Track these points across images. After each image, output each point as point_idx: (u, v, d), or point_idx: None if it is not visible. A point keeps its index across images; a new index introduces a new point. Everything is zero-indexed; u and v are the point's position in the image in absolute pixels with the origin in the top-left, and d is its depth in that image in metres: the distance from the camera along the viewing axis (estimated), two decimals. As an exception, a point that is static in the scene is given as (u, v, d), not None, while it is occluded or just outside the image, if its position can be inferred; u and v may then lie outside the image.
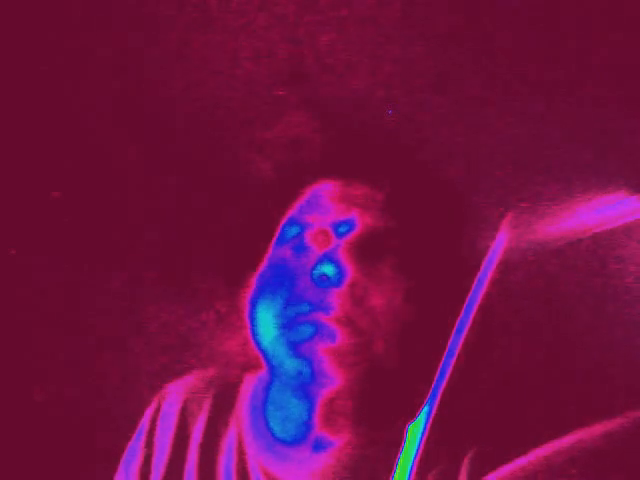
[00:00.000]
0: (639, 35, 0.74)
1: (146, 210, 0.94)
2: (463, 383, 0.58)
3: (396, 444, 0.60)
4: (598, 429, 0.53)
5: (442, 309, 0.62)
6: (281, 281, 0.66)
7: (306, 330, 0.62)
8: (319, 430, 0.67)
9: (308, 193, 0.69)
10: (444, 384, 0.58)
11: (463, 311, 0.59)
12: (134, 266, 0.94)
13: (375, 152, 0.71)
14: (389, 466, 0.60)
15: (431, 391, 0.58)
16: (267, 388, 0.72)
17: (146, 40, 0.85)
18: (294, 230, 0.68)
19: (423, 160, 0.73)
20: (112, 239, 0.94)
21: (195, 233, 0.88)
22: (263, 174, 0.73)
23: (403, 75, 0.82)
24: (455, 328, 0.59)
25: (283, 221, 0.70)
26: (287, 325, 0.64)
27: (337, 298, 0.62)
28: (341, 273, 0.62)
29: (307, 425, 0.67)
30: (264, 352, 0.67)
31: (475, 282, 0.60)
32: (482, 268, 0.60)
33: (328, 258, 0.62)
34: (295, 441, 0.68)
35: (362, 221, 0.65)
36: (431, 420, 0.57)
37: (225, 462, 0.71)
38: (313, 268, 0.63)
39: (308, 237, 0.66)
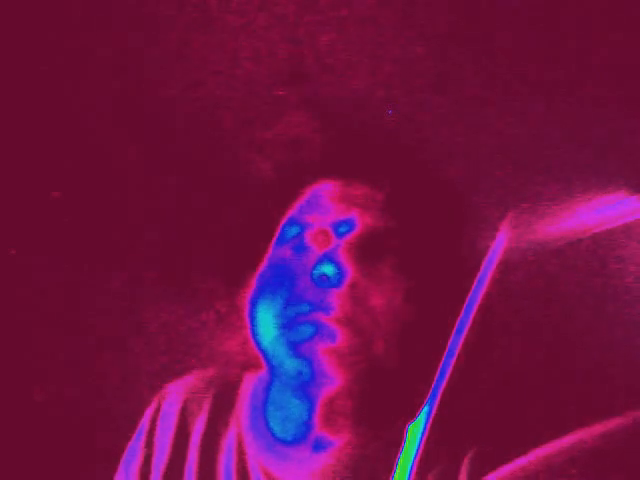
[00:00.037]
0: (639, 35, 0.74)
1: (146, 210, 0.94)
2: (463, 383, 0.58)
3: (396, 444, 0.60)
4: (598, 429, 0.53)
5: (442, 309, 0.62)
6: (281, 281, 0.66)
7: (306, 330, 0.62)
8: (319, 430, 0.67)
9: (308, 193, 0.69)
10: (444, 384, 0.58)
11: (463, 311, 0.59)
12: (134, 266, 0.95)
13: (375, 152, 0.71)
14: (389, 466, 0.60)
15: (431, 391, 0.58)
16: (267, 388, 0.72)
17: (146, 40, 0.85)
18: (294, 230, 0.68)
19: (423, 160, 0.73)
20: (112, 239, 0.94)
21: (195, 233, 0.88)
22: (263, 174, 0.73)
23: (403, 75, 0.82)
24: (455, 328, 0.59)
25: (283, 221, 0.70)
26: (287, 325, 0.64)
27: (337, 298, 0.62)
28: (341, 273, 0.62)
29: (307, 425, 0.67)
30: (264, 352, 0.67)
31: (475, 282, 0.60)
32: (482, 268, 0.60)
33: (328, 258, 0.62)
34: (295, 441, 0.68)
35: (362, 221, 0.65)
36: (431, 420, 0.57)
37: (225, 462, 0.71)
38: (313, 268, 0.63)
39: (308, 237, 0.66)
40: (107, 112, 0.91)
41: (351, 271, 0.62)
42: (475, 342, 0.58)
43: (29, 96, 0.90)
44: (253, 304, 0.68)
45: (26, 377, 0.94)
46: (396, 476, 0.59)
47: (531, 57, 0.78)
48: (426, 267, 0.66)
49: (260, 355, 0.68)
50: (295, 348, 0.63)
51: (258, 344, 0.68)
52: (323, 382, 0.62)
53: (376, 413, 0.67)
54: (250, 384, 0.75)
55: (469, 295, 0.60)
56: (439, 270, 0.66)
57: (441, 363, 0.58)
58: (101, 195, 0.94)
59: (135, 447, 0.75)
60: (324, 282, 0.62)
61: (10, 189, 0.91)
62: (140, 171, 0.93)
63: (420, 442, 0.58)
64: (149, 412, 0.77)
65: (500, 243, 0.61)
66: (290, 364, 0.63)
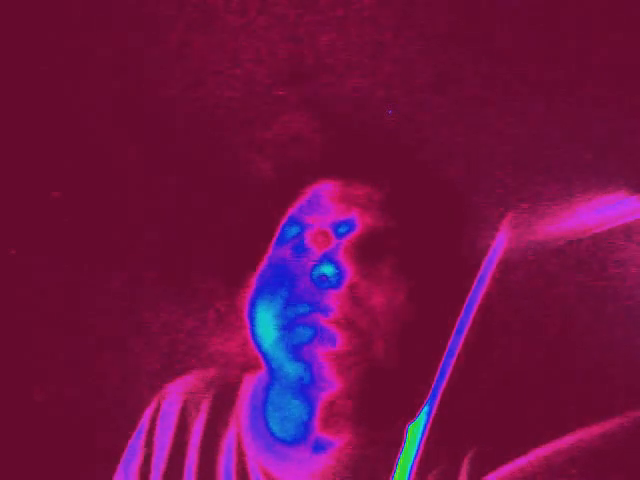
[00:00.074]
0: (639, 35, 0.74)
1: (146, 210, 0.94)
2: (463, 383, 0.58)
3: (396, 444, 0.60)
4: (598, 429, 0.53)
5: (442, 309, 0.62)
6: (281, 281, 0.66)
7: (305, 333, 0.62)
8: (319, 431, 0.67)
9: (308, 193, 0.69)
10: (444, 384, 0.58)
11: (463, 311, 0.59)
12: (134, 266, 0.95)
13: (375, 152, 0.71)
14: (389, 466, 0.60)
15: (431, 391, 0.58)
16: (267, 388, 0.72)
17: (146, 40, 0.85)
18: (294, 230, 0.68)
19: (423, 160, 0.73)
20: (112, 239, 0.94)
21: (195, 233, 0.88)
22: (263, 174, 0.73)
23: (403, 75, 0.82)
24: (455, 328, 0.59)
25: (283, 221, 0.70)
26: (286, 326, 0.64)
27: (336, 299, 0.62)
28: (340, 274, 0.62)
29: (307, 426, 0.67)
30: (264, 353, 0.67)
31: (475, 282, 0.60)
32: (482, 268, 0.60)
33: (328, 259, 0.62)
34: (295, 441, 0.68)
35: (362, 221, 0.65)
36: (431, 420, 0.57)
37: (225, 462, 0.71)
38: (313, 269, 0.63)
39: (308, 237, 0.66)
40: (107, 112, 0.91)
41: (351, 271, 0.62)
42: (475, 342, 0.58)
43: (29, 96, 0.90)
44: (253, 304, 0.68)
45: (26, 377, 0.94)
46: (396, 476, 0.59)
47: (531, 57, 0.78)
48: (426, 267, 0.66)
49: (260, 356, 0.68)
50: (295, 352, 0.63)
51: (258, 345, 0.68)
52: (323, 385, 0.62)
53: (376, 413, 0.67)
54: (250, 384, 0.75)
55: (469, 295, 0.60)
56: (439, 270, 0.66)
57: (441, 363, 0.58)
58: (101, 195, 0.94)
59: (135, 447, 0.75)
60: (324, 282, 0.62)
61: (10, 189, 0.91)
62: (140, 171, 0.93)
63: (420, 442, 0.58)
64: (149, 412, 0.77)
65: (500, 243, 0.61)
66: (290, 367, 0.63)
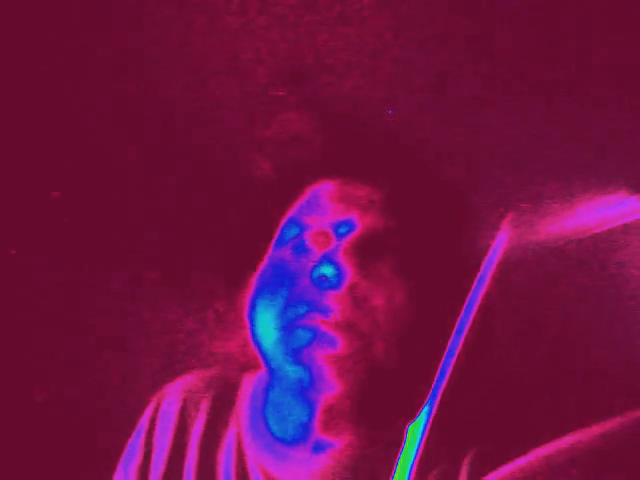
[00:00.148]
0: (639, 35, 0.74)
1: (146, 210, 0.94)
2: (463, 383, 0.58)
3: (396, 444, 0.60)
4: (598, 429, 0.53)
5: (442, 309, 0.62)
6: (281, 282, 0.66)
7: (305, 335, 0.62)
8: (319, 432, 0.67)
9: (308, 193, 0.69)
10: (444, 384, 0.58)
11: (463, 311, 0.59)
12: (134, 266, 0.95)
13: (375, 152, 0.71)
14: (389, 466, 0.60)
15: (431, 391, 0.58)
16: (267, 389, 0.72)
17: (146, 40, 0.85)
18: (294, 231, 0.67)
19: (423, 160, 0.73)
20: (112, 239, 0.94)
21: (195, 233, 0.88)
22: (263, 174, 0.73)
23: (403, 75, 0.82)
24: (455, 328, 0.59)
25: (283, 221, 0.70)
26: (286, 328, 0.64)
27: (336, 300, 0.62)
28: (340, 274, 0.62)
29: (307, 426, 0.67)
30: (264, 354, 0.67)
31: (475, 282, 0.60)
32: (482, 268, 0.60)
33: (328, 259, 0.62)
34: (295, 441, 0.68)
35: (362, 221, 0.65)
36: (431, 420, 0.57)
37: (224, 462, 0.71)
38: (313, 269, 0.63)
39: (308, 238, 0.66)
40: (107, 112, 0.91)
41: (351, 272, 0.62)
42: (475, 342, 0.58)
43: (29, 96, 0.90)
44: (253, 305, 0.68)
45: (26, 377, 0.94)
46: (396, 476, 0.59)
47: (531, 57, 0.78)
48: (426, 267, 0.66)
49: (260, 356, 0.68)
50: (294, 354, 0.62)
51: (258, 345, 0.67)
52: (323, 388, 0.62)
53: (376, 414, 0.67)
54: (250, 384, 0.75)
55: (469, 295, 0.60)
56: (439, 270, 0.66)
57: (441, 363, 0.58)
58: (101, 195, 0.94)
59: (134, 446, 0.75)
60: (324, 283, 0.62)
61: (10, 189, 0.91)
62: (140, 171, 0.93)
63: (420, 442, 0.58)
64: (148, 411, 0.77)
65: (500, 243, 0.61)
66: (290, 369, 0.63)
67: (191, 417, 0.74)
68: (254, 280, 0.69)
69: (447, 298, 0.62)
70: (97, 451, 0.89)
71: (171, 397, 0.76)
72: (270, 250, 0.70)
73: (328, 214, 0.66)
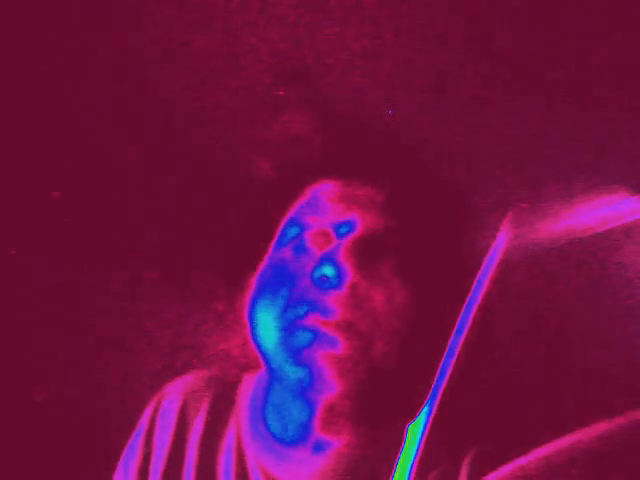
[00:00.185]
0: (639, 35, 0.74)
1: (146, 210, 0.94)
2: (463, 383, 0.58)
3: (396, 444, 0.60)
4: (598, 429, 0.53)
5: (442, 309, 0.62)
6: (281, 282, 0.66)
7: (305, 336, 0.62)
8: (319, 432, 0.67)
9: (308, 193, 0.69)
10: (444, 384, 0.58)
11: (463, 311, 0.59)
12: (134, 266, 0.95)
13: (375, 152, 0.71)
14: (389, 466, 0.60)
15: (431, 391, 0.58)
16: (267, 389, 0.72)
17: (146, 40, 0.85)
18: (294, 231, 0.67)
19: (423, 160, 0.73)
20: (112, 239, 0.94)
21: (195, 233, 0.88)
22: (263, 174, 0.73)
23: (403, 75, 0.82)
24: (455, 328, 0.59)
25: (283, 222, 0.70)
26: (287, 328, 0.64)
27: (337, 301, 0.62)
28: (341, 274, 0.62)
29: (307, 426, 0.67)
30: (264, 354, 0.67)
31: (475, 282, 0.60)
32: (482, 268, 0.60)
33: (328, 259, 0.62)
34: (295, 442, 0.68)
35: (362, 222, 0.65)
36: (431, 420, 0.57)
37: (224, 462, 0.71)
38: (313, 269, 0.63)
39: (308, 238, 0.66)
40: (107, 112, 0.91)
41: (351, 272, 0.62)
42: (475, 342, 0.58)
43: (29, 96, 0.90)
44: (253, 305, 0.68)
45: (26, 377, 0.94)
46: (396, 476, 0.59)
47: (531, 57, 0.78)
48: (426, 267, 0.66)
49: (260, 356, 0.68)
50: (295, 355, 0.62)
51: (258, 346, 0.67)
52: (323, 388, 0.62)
53: (376, 414, 0.67)
54: (250, 384, 0.75)
55: (469, 295, 0.60)
56: (439, 270, 0.66)
57: (441, 363, 0.58)
58: (101, 195, 0.94)
59: (134, 446, 0.75)
60: (324, 283, 0.62)
61: (10, 189, 0.91)
62: (140, 171, 0.93)
63: (420, 442, 0.58)
64: (148, 411, 0.77)
65: (500, 243, 0.61)
66: (290, 370, 0.63)
67: (191, 417, 0.74)
68: (254, 280, 0.69)
69: (447, 298, 0.62)
70: (97, 451, 0.89)
71: (171, 397, 0.76)
72: (270, 250, 0.70)
73: (328, 214, 0.66)
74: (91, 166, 0.93)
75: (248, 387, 0.75)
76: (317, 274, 0.62)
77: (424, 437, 0.57)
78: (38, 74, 0.88)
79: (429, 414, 0.58)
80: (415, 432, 0.58)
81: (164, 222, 0.93)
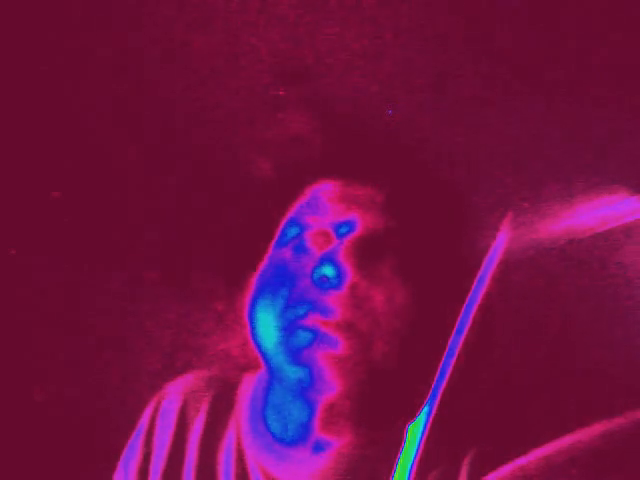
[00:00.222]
0: (639, 35, 0.74)
1: (146, 210, 0.94)
2: (463, 383, 0.58)
3: (396, 444, 0.60)
4: (598, 429, 0.53)
5: (442, 309, 0.62)
6: (281, 282, 0.66)
7: (305, 336, 0.62)
8: (319, 432, 0.67)
9: (308, 193, 0.69)
10: (444, 384, 0.58)
11: (463, 311, 0.59)
12: (134, 266, 0.95)
13: (375, 152, 0.71)
14: (389, 466, 0.60)
15: (431, 391, 0.58)
16: (267, 389, 0.72)
17: (146, 40, 0.85)
18: (294, 231, 0.67)
19: (423, 160, 0.73)
20: (112, 239, 0.94)
21: (195, 233, 0.88)
22: (263, 174, 0.73)
23: (403, 75, 0.82)
24: (455, 328, 0.59)
25: (283, 222, 0.70)
26: (287, 328, 0.64)
27: (337, 301, 0.62)
28: (341, 274, 0.62)
29: (307, 427, 0.67)
30: (264, 354, 0.67)
31: (475, 282, 0.60)
32: (482, 268, 0.60)
33: (328, 259, 0.62)
34: (295, 442, 0.68)
35: (362, 222, 0.65)
36: (431, 420, 0.57)
37: (224, 462, 0.71)
38: (313, 269, 0.63)
39: (308, 238, 0.66)
40: (107, 112, 0.91)
41: (351, 272, 0.62)
42: (475, 342, 0.58)
43: (29, 96, 0.90)
44: (253, 305, 0.68)
45: (26, 377, 0.94)
46: (396, 476, 0.59)
47: (531, 57, 0.78)
48: (426, 267, 0.66)
49: (260, 356, 0.68)
50: (295, 355, 0.62)
51: (258, 346, 0.67)
52: (323, 388, 0.62)
53: (376, 414, 0.67)
54: (249, 384, 0.75)
55: (469, 295, 0.60)
56: (439, 270, 0.66)
57: (441, 363, 0.58)
58: (101, 195, 0.94)
59: (134, 446, 0.75)
60: (324, 283, 0.62)
61: (10, 189, 0.91)
62: (140, 171, 0.93)
63: (420, 442, 0.58)
64: (148, 411, 0.77)
65: (500, 243, 0.61)
66: (290, 370, 0.63)
67: (191, 417, 0.74)
68: (254, 280, 0.69)
69: (447, 298, 0.62)
70: (97, 451, 0.89)
71: (171, 397, 0.76)
72: (270, 250, 0.70)
73: (328, 214, 0.66)
74: (91, 166, 0.93)
75: (248, 387, 0.75)
76: (317, 274, 0.62)
77: (424, 437, 0.57)
78: (38, 74, 0.88)
79: (429, 414, 0.57)
80: (415, 432, 0.58)
81: (164, 222, 0.94)
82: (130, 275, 0.95)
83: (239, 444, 0.71)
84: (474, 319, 0.58)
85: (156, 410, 0.76)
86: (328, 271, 0.62)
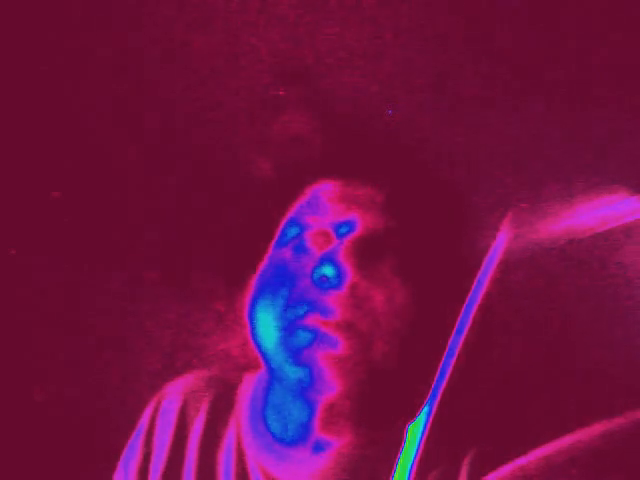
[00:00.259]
0: (639, 35, 0.74)
1: (146, 210, 0.94)
2: (463, 383, 0.58)
3: (396, 444, 0.60)
4: (598, 429, 0.53)
5: (442, 309, 0.62)
6: (281, 282, 0.66)
7: (305, 336, 0.62)
8: (319, 432, 0.67)
9: (308, 193, 0.69)
10: (444, 384, 0.58)
11: (463, 311, 0.59)
12: (134, 266, 0.95)
13: (375, 152, 0.71)
14: (389, 466, 0.60)
15: (431, 391, 0.58)
16: (267, 389, 0.72)
17: (146, 40, 0.85)
18: (294, 231, 0.67)
19: (423, 160, 0.73)
20: (112, 239, 0.94)
21: (195, 233, 0.88)
22: (263, 174, 0.73)
23: (403, 75, 0.82)
24: (455, 328, 0.59)
25: (283, 222, 0.70)
26: (287, 328, 0.64)
27: (337, 301, 0.62)
28: (341, 274, 0.62)
29: (307, 427, 0.67)
30: (264, 354, 0.67)
31: (475, 282, 0.60)
32: (482, 268, 0.60)
33: (328, 259, 0.62)
34: (295, 442, 0.68)
35: (362, 222, 0.65)
36: (431, 420, 0.57)
37: (224, 462, 0.71)
38: (313, 269, 0.63)
39: (308, 238, 0.66)
40: (107, 112, 0.91)
41: (351, 272, 0.62)
42: (475, 342, 0.58)
43: (29, 96, 0.90)
44: (253, 305, 0.68)
45: (26, 377, 0.94)
46: (396, 476, 0.59)
47: (531, 57, 0.78)
48: (426, 267, 0.66)
49: (260, 356, 0.68)
50: (295, 355, 0.62)
51: (258, 346, 0.67)
52: (323, 388, 0.62)
53: (376, 414, 0.67)
54: (250, 384, 0.75)
55: (469, 295, 0.60)
56: (439, 270, 0.66)
57: (441, 363, 0.58)
58: (101, 195, 0.94)
59: (134, 446, 0.75)
60: (324, 283, 0.62)
61: (10, 189, 0.91)
62: (140, 171, 0.93)
63: (420, 442, 0.58)
64: (148, 411, 0.77)
65: (500, 243, 0.61)
66: (290, 370, 0.63)
67: (191, 417, 0.74)
68: (254, 280, 0.69)
69: (447, 298, 0.62)
70: (97, 451, 0.89)
71: (171, 397, 0.76)
72: (270, 250, 0.70)
73: (328, 214, 0.66)
74: (91, 166, 0.93)
75: (248, 387, 0.75)
76: (317, 274, 0.62)
77: (424, 437, 0.57)
78: (38, 74, 0.88)
79: (429, 414, 0.57)
80: (415, 432, 0.58)
81: (164, 222, 0.93)
82: (130, 275, 0.95)
83: (239, 444, 0.71)
84: (474, 319, 0.58)
85: (156, 410, 0.76)
86: (328, 271, 0.62)
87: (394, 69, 0.82)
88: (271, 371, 0.68)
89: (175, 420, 0.74)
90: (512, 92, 0.80)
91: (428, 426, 0.57)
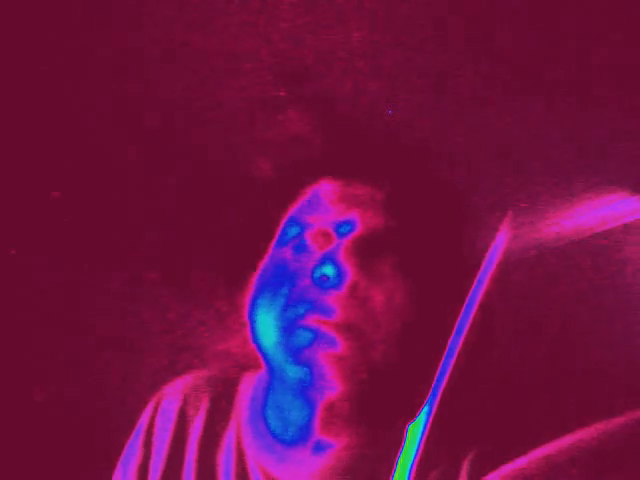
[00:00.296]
0: (639, 35, 0.74)
1: (146, 210, 0.94)
2: (463, 383, 0.58)
3: (396, 444, 0.60)
4: (598, 429, 0.53)
5: (442, 309, 0.62)
6: (281, 282, 0.66)
7: (306, 336, 0.62)
8: (319, 432, 0.67)
9: (308, 193, 0.69)
10: (444, 384, 0.58)
11: (463, 311, 0.59)
12: (134, 266, 0.95)
13: (375, 152, 0.71)
14: (389, 466, 0.60)
15: (431, 391, 0.58)
16: (267, 388, 0.72)
17: (146, 40, 0.85)
18: (294, 230, 0.67)
19: (423, 160, 0.73)
20: (112, 239, 0.94)
21: (195, 233, 0.88)
22: (263, 174, 0.73)
23: (403, 75, 0.82)
24: (455, 328, 0.59)
25: (283, 221, 0.70)
26: (287, 328, 0.64)
27: (337, 301, 0.62)
28: (341, 274, 0.62)
29: (307, 427, 0.67)
30: (264, 354, 0.67)
31: (475, 282, 0.60)
32: (482, 268, 0.60)
33: (328, 259, 0.62)
34: (295, 442, 0.68)
35: (363, 221, 0.65)
36: (431, 420, 0.57)
37: (224, 462, 0.71)
38: (314, 269, 0.63)
39: (308, 237, 0.66)
40: (107, 112, 0.91)
41: (351, 272, 0.62)
42: (475, 342, 0.58)
43: (29, 96, 0.90)
44: (253, 305, 0.68)
45: (26, 377, 0.94)
46: (396, 476, 0.59)
47: (531, 57, 0.78)
48: (426, 267, 0.66)
49: (260, 356, 0.68)
50: (295, 355, 0.62)
51: (258, 346, 0.67)
52: (324, 388, 0.62)
53: (376, 414, 0.67)
54: (249, 384, 0.75)
55: (469, 295, 0.60)
56: (439, 270, 0.66)
57: (441, 363, 0.58)
58: (101, 195, 0.94)
59: (134, 446, 0.75)
60: (325, 283, 0.62)
61: (10, 189, 0.91)
62: (140, 171, 0.93)
63: (420, 442, 0.58)
64: (148, 411, 0.77)
65: (500, 243, 0.61)
66: (290, 370, 0.63)
67: (191, 417, 0.74)
68: (254, 280, 0.69)
69: (447, 298, 0.62)
70: (97, 451, 0.89)
71: (171, 397, 0.76)
72: (271, 250, 0.70)
73: (329, 214, 0.66)
74: (91, 166, 0.93)
75: (248, 387, 0.75)
76: (317, 273, 0.62)
77: (424, 437, 0.57)
78: (38, 74, 0.88)
79: (429, 414, 0.57)
80: (415, 432, 0.58)
81: (164, 222, 0.94)
82: (130, 275, 0.95)
83: (239, 444, 0.71)
84: (474, 319, 0.58)
85: (156, 410, 0.76)
86: (328, 270, 0.62)
87: (394, 69, 0.82)
88: (271, 371, 0.68)
89: (175, 420, 0.74)
90: (512, 92, 0.80)
91: (428, 426, 0.57)
